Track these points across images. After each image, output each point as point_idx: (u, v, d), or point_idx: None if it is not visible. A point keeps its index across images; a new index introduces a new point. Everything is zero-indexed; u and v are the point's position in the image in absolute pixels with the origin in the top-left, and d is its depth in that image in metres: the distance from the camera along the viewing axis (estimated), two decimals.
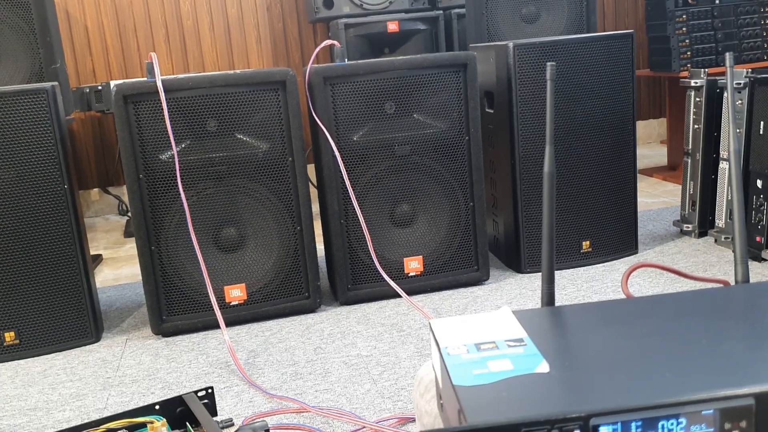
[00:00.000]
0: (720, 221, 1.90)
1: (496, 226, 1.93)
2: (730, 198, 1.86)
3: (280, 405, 1.23)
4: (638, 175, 2.84)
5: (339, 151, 1.61)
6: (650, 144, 3.56)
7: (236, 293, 1.61)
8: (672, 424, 0.53)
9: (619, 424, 0.53)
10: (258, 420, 0.95)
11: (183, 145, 1.55)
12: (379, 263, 1.66)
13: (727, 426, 0.54)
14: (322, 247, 1.86)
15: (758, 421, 0.55)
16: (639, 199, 2.43)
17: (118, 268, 2.22)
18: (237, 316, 1.62)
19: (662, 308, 0.72)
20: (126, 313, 1.79)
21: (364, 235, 1.65)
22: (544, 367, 0.61)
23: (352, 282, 1.69)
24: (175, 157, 1.52)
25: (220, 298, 1.60)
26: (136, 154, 1.52)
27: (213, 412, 0.95)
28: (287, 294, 1.65)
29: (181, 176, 1.54)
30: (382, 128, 1.65)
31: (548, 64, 0.74)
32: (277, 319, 1.64)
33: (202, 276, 1.55)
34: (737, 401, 0.54)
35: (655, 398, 0.55)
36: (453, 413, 0.60)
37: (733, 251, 0.81)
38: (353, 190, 1.63)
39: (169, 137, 1.51)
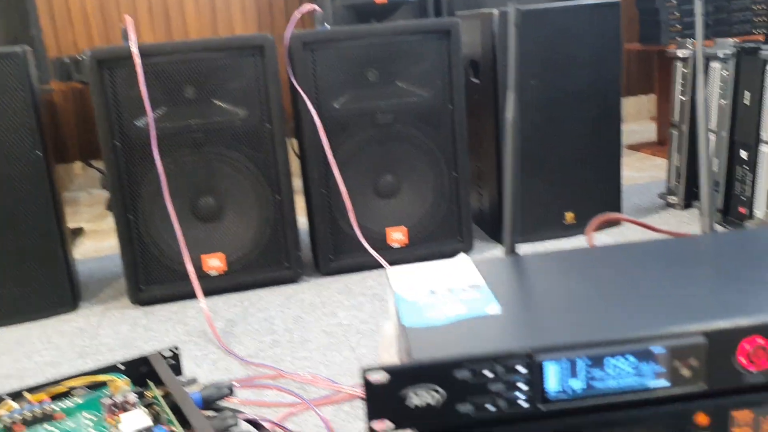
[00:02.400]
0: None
1: (480, 198, 1.91)
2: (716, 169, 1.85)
3: (256, 372, 1.22)
4: (626, 150, 2.82)
5: (320, 119, 1.58)
6: (640, 120, 3.54)
7: (215, 263, 1.59)
8: (619, 361, 0.52)
9: (564, 360, 0.51)
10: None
11: (159, 112, 1.52)
12: (362, 234, 1.64)
13: (677, 364, 0.53)
14: (305, 218, 1.84)
15: (709, 359, 0.53)
16: (626, 174, 2.41)
17: (100, 241, 2.20)
18: (216, 287, 1.60)
19: (624, 256, 0.71)
20: (105, 283, 1.77)
21: (345, 205, 1.62)
22: (494, 308, 0.60)
23: (334, 253, 1.67)
24: (151, 123, 1.49)
25: (199, 268, 1.58)
26: (112, 121, 1.49)
27: (177, 371, 0.93)
28: (267, 264, 1.63)
29: (157, 143, 1.51)
30: (364, 96, 1.62)
31: (513, 7, 0.70)
32: (257, 290, 1.63)
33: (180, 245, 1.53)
34: (688, 339, 0.53)
35: (603, 335, 0.53)
36: (403, 355, 0.60)
37: (700, 206, 0.80)
38: (335, 158, 1.60)
39: (144, 103, 1.48)
